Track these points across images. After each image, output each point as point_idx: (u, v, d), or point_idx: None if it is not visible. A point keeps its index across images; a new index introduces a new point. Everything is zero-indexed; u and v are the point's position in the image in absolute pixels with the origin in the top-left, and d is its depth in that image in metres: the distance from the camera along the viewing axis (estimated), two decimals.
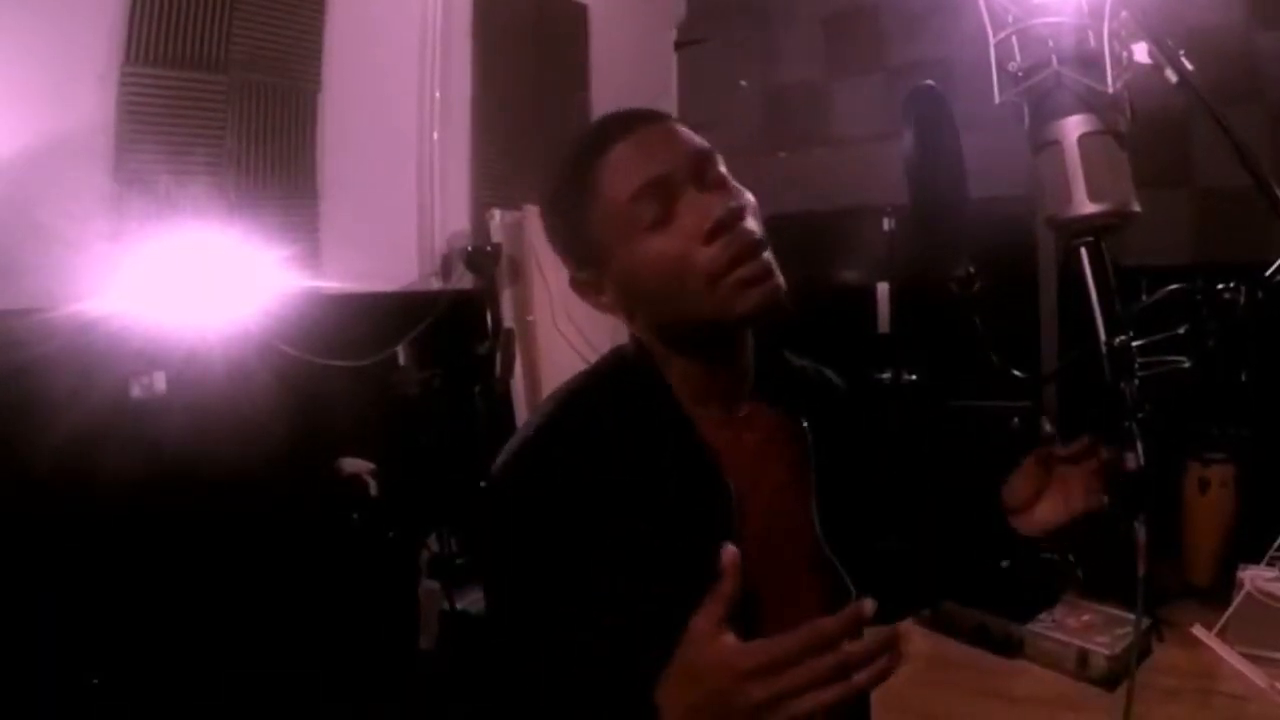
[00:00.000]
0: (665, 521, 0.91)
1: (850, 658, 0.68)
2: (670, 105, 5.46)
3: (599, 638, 0.85)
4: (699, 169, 0.93)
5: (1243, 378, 3.69)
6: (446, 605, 3.55)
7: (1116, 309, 1.45)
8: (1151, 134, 2.56)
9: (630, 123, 0.96)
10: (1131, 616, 3.55)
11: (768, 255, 0.92)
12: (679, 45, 5.47)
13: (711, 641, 0.71)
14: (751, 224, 0.93)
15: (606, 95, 4.88)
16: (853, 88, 4.90)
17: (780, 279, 0.93)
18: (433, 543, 3.75)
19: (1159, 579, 3.78)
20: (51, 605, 2.57)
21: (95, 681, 2.63)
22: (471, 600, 3.62)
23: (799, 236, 0.99)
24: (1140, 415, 1.39)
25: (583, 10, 4.81)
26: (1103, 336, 1.40)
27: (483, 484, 0.94)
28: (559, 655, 0.85)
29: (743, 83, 5.26)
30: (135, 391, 2.96)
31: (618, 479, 0.90)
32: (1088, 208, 1.40)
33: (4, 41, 2.64)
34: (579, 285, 1.01)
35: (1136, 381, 1.34)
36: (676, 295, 0.92)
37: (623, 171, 0.92)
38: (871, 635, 0.70)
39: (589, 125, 1.00)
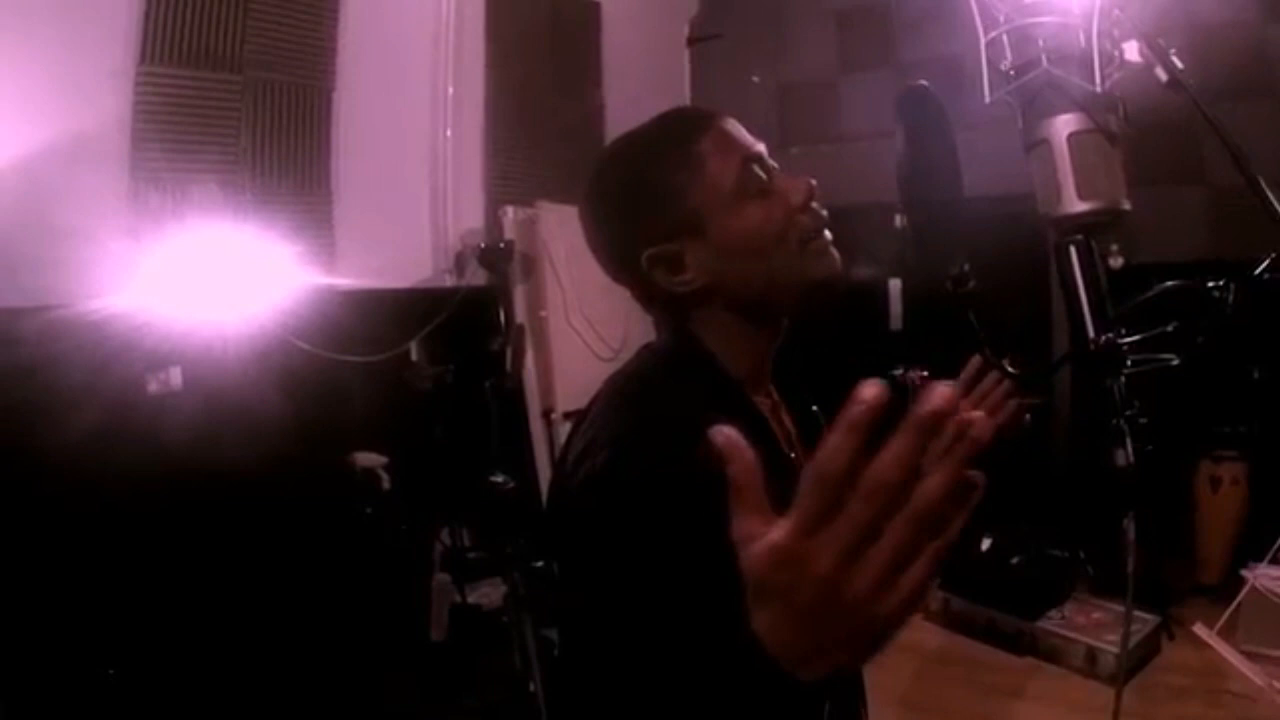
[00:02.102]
0: None
1: (897, 464, 0.49)
2: (683, 101, 5.45)
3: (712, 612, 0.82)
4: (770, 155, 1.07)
5: (1255, 375, 3.67)
6: (458, 598, 3.59)
7: (1106, 307, 1.46)
8: (1165, 131, 2.56)
9: (714, 112, 1.06)
10: (1143, 615, 3.55)
11: (829, 234, 1.06)
12: (691, 41, 5.47)
13: (760, 541, 0.54)
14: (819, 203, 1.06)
15: (619, 92, 4.90)
16: (864, 84, 4.88)
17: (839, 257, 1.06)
18: (445, 536, 3.78)
19: (1170, 577, 3.77)
20: (68, 597, 2.62)
21: (111, 672, 2.69)
22: (482, 594, 3.66)
23: None
24: (1129, 413, 1.40)
25: (595, 7, 4.83)
26: (1090, 334, 1.41)
27: (584, 486, 0.93)
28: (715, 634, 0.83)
29: (755, 79, 5.26)
30: (152, 387, 3.00)
31: (704, 462, 0.90)
32: (1077, 206, 1.41)
33: (22, 43, 2.69)
34: (655, 262, 1.02)
35: (1123, 379, 1.34)
36: (772, 256, 1.01)
37: (728, 146, 1.02)
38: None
39: (666, 116, 1.08)
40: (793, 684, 0.58)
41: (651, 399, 0.99)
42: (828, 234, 1.05)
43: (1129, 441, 1.40)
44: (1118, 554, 1.51)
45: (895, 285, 4.58)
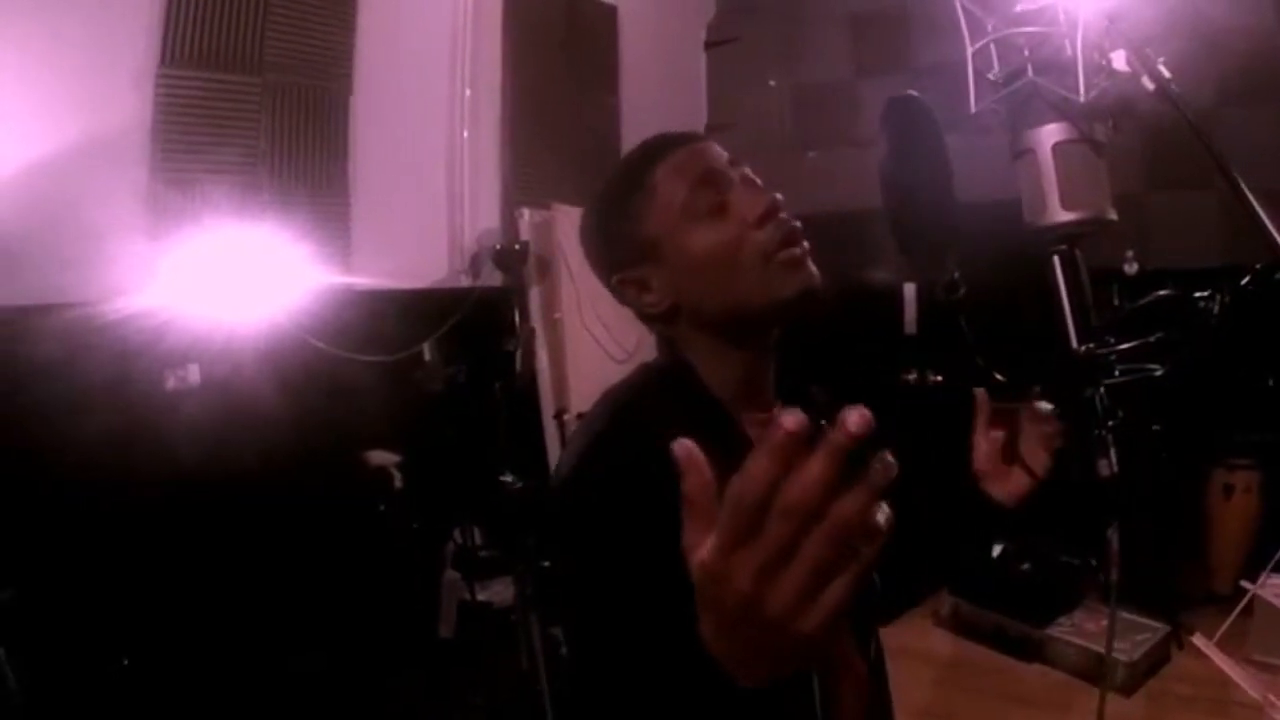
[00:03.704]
0: None
1: (811, 485, 0.50)
2: (699, 104, 5.50)
3: (685, 619, 0.86)
4: (740, 170, 1.06)
5: (1270, 383, 3.63)
6: (467, 596, 3.62)
7: (1090, 316, 1.47)
8: (1181, 135, 2.54)
9: (680, 137, 1.08)
10: (1154, 624, 3.52)
11: (806, 244, 1.02)
12: (709, 45, 5.48)
13: (695, 554, 0.57)
14: (788, 216, 1.03)
15: (636, 95, 4.92)
16: (881, 87, 4.85)
17: (816, 271, 1.02)
18: (457, 534, 3.82)
19: (1182, 585, 3.73)
20: (85, 588, 2.67)
21: (125, 662, 2.74)
22: (494, 592, 3.69)
23: (826, 236, 1.05)
24: (1112, 423, 1.41)
25: (612, 10, 4.84)
26: (1073, 344, 1.42)
27: (554, 491, 0.98)
28: (663, 636, 0.83)
29: (771, 82, 5.26)
30: (170, 383, 3.05)
31: (671, 478, 0.93)
32: (1061, 216, 1.42)
33: (46, 45, 2.74)
34: (624, 285, 1.07)
35: (1102, 389, 1.35)
36: (730, 276, 1.00)
37: (680, 169, 1.03)
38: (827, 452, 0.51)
39: (639, 145, 1.10)
40: (735, 687, 0.60)
41: (627, 410, 1.03)
42: (802, 246, 1.02)
43: (1112, 451, 1.41)
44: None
45: (910, 290, 4.56)
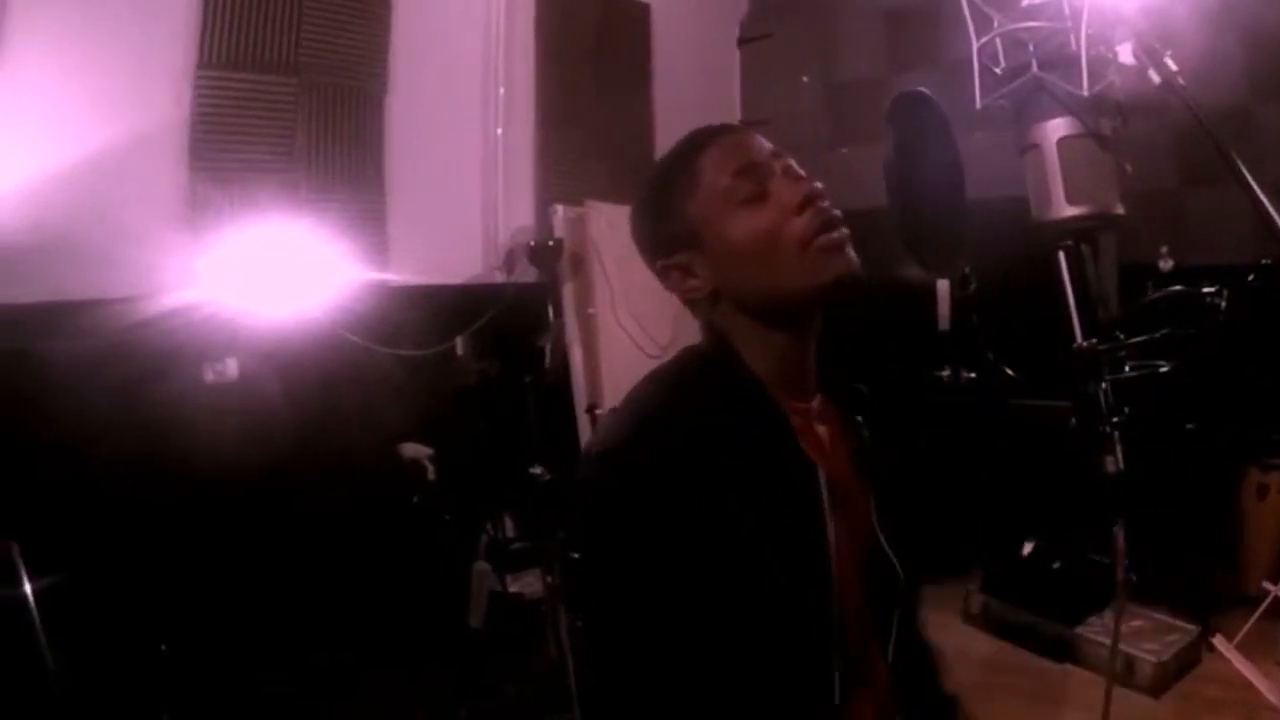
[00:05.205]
0: (758, 497, 0.96)
1: None
2: (733, 101, 5.50)
3: (708, 608, 0.90)
4: (783, 161, 1.07)
5: None
6: (498, 587, 3.66)
7: (1098, 312, 1.47)
8: (1211, 130, 2.50)
9: (724, 128, 1.10)
10: (1185, 625, 3.47)
11: (846, 230, 1.02)
12: (742, 41, 5.49)
13: None
14: (829, 204, 1.04)
15: (669, 92, 4.94)
16: (914, 83, 4.78)
17: (856, 257, 1.03)
18: (489, 527, 3.86)
19: (1214, 586, 3.67)
20: (126, 575, 2.75)
21: (164, 647, 2.83)
22: (525, 584, 3.74)
23: (860, 232, 1.07)
24: (1117, 419, 1.41)
25: (645, 8, 4.87)
26: (1078, 339, 1.42)
27: (580, 471, 1.01)
28: (677, 625, 0.90)
29: (805, 78, 5.25)
30: (209, 376, 3.14)
31: (711, 458, 0.96)
32: (1066, 211, 1.43)
33: (86, 48, 2.84)
34: (668, 270, 1.09)
35: (1105, 385, 1.35)
36: (770, 263, 1.01)
37: (724, 158, 1.05)
38: None
39: (685, 136, 1.13)
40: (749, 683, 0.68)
41: (659, 392, 1.05)
42: (840, 232, 1.01)
43: (1118, 448, 1.41)
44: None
45: (944, 286, 4.51)
